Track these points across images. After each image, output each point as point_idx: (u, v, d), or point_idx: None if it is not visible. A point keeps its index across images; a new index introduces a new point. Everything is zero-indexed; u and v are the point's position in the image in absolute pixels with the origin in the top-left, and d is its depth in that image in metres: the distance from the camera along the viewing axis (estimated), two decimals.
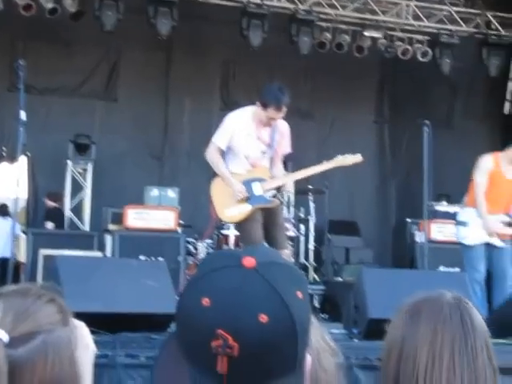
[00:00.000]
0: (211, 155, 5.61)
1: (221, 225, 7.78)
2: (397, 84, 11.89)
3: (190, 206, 9.52)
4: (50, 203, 9.89)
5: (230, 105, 11.22)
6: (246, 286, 1.06)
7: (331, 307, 6.96)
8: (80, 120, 10.57)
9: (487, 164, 6.32)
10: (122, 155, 10.62)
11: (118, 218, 8.69)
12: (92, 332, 1.23)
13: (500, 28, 10.97)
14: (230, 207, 5.56)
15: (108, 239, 8.30)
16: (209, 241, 8.54)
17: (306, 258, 9.58)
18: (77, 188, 10.36)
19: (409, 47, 10.86)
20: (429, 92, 11.73)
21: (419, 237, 9.20)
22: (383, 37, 10.87)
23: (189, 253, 8.50)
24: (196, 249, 8.58)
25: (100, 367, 3.89)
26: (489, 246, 6.30)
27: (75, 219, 10.24)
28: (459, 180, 6.94)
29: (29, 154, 8.33)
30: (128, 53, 10.77)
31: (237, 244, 8.32)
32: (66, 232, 9.35)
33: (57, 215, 9.79)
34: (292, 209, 10.32)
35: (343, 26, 10.80)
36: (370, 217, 11.68)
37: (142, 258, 7.45)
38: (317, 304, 8.00)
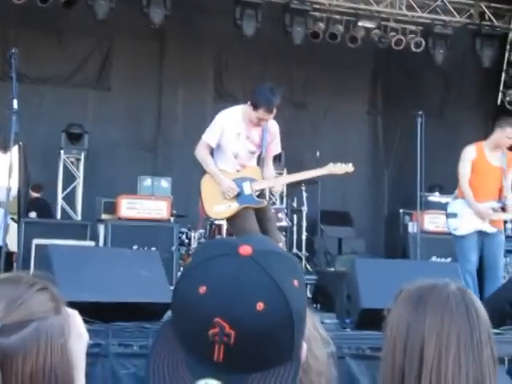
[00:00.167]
0: (201, 153, 5.63)
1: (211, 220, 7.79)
2: (390, 74, 11.89)
3: (183, 195, 9.50)
4: (33, 194, 9.88)
5: (223, 95, 11.20)
6: (243, 274, 1.06)
7: (324, 297, 6.97)
8: (73, 109, 10.53)
9: (470, 154, 6.41)
10: (115, 145, 10.59)
11: (111, 208, 8.68)
12: (85, 321, 1.23)
13: (493, 19, 10.97)
14: (218, 204, 5.59)
15: (101, 229, 8.30)
16: (202, 231, 8.54)
17: (299, 248, 9.60)
18: (69, 178, 10.33)
19: (402, 37, 10.85)
20: (422, 83, 11.73)
21: (412, 227, 9.24)
22: (377, 27, 10.85)
23: (182, 243, 8.50)
24: (189, 239, 8.58)
25: (93, 356, 3.89)
26: (481, 235, 6.32)
27: (68, 209, 10.21)
28: (452, 171, 6.96)
29: (21, 144, 8.29)
30: (121, 42, 10.72)
31: (230, 234, 8.33)
32: (59, 222, 9.33)
33: (40, 205, 9.76)
34: (285, 199, 10.35)
35: (337, 16, 10.77)
36: (362, 207, 11.70)
37: (135, 247, 7.46)
38: (309, 294, 8.02)
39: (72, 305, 1.20)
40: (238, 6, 10.14)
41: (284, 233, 8.73)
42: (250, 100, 5.52)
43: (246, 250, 1.09)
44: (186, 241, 8.58)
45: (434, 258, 8.42)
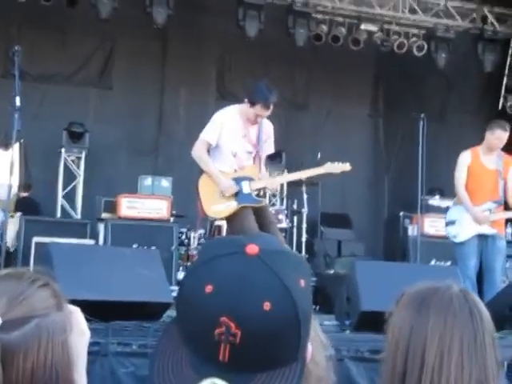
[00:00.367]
0: (199, 152, 5.63)
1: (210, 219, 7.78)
2: (392, 78, 11.89)
3: (184, 195, 9.48)
4: (21, 194, 9.86)
5: (225, 96, 11.19)
6: (250, 273, 1.05)
7: (323, 299, 6.97)
8: (74, 108, 10.52)
9: (465, 159, 6.51)
10: (116, 144, 10.58)
11: (111, 207, 8.67)
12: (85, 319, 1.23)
13: (496, 23, 10.97)
14: (217, 203, 5.58)
15: (101, 228, 8.29)
16: (202, 231, 8.53)
17: (299, 250, 9.58)
18: (70, 176, 10.32)
19: (404, 41, 10.85)
20: (423, 86, 11.73)
21: (412, 230, 9.23)
22: (379, 30, 10.86)
23: (181, 243, 8.50)
24: (188, 239, 8.58)
25: (92, 355, 3.89)
26: (480, 239, 6.34)
27: (67, 207, 10.20)
28: (452, 175, 6.98)
29: (22, 141, 8.29)
30: (123, 41, 10.72)
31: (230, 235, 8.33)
32: (59, 220, 9.32)
33: (27, 204, 9.72)
34: (285, 200, 10.34)
35: (340, 19, 10.77)
36: (362, 210, 11.69)
37: (134, 246, 7.45)
38: None
39: (72, 303, 1.20)
40: (240, 6, 10.14)
41: (284, 234, 8.72)
42: (247, 97, 5.56)
43: (252, 249, 1.08)
44: (186, 241, 8.58)
45: (433, 262, 8.41)
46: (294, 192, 10.06)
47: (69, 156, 10.27)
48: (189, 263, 8.38)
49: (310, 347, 1.13)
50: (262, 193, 5.82)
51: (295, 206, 9.69)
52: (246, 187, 5.62)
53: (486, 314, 1.39)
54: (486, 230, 6.33)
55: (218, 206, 5.59)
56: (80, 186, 10.28)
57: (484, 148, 6.53)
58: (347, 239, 10.61)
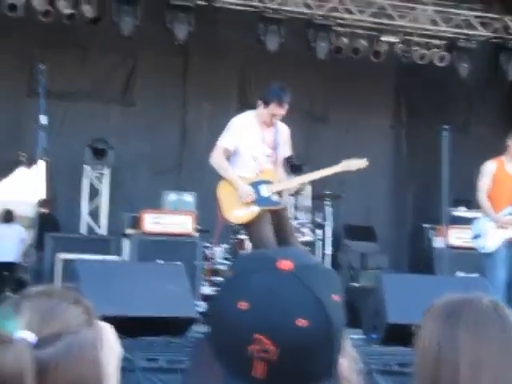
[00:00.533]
0: (217, 159, 5.63)
1: (235, 228, 7.75)
2: (413, 89, 11.84)
3: (207, 210, 9.49)
4: (41, 210, 9.90)
5: (247, 109, 11.17)
6: (283, 289, 1.04)
7: (349, 313, 6.92)
8: (97, 124, 10.61)
9: (489, 168, 6.62)
10: (139, 160, 10.63)
11: (135, 223, 8.70)
12: None
13: None
14: (237, 209, 5.56)
15: (125, 243, 8.31)
16: (225, 245, 8.53)
17: (323, 263, 9.55)
18: (94, 192, 10.38)
19: (426, 52, 10.81)
20: (445, 97, 11.67)
21: (437, 242, 9.15)
22: (400, 41, 10.83)
23: (205, 257, 8.50)
24: (212, 253, 8.58)
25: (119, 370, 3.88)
26: (509, 249, 6.31)
27: (92, 224, 10.26)
28: (476, 186, 6.96)
29: (46, 159, 8.37)
30: (145, 58, 10.80)
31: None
32: (84, 236, 9.37)
33: (47, 221, 9.78)
34: (309, 213, 10.31)
35: (360, 31, 10.77)
36: (385, 222, 11.63)
37: (159, 262, 7.47)
38: None
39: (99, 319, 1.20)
40: (261, 21, 10.18)
41: (308, 247, 8.69)
42: (261, 99, 5.59)
43: (285, 264, 1.07)
44: (210, 255, 8.58)
45: (460, 274, 8.33)
46: (317, 205, 10.03)
47: (92, 173, 10.34)
48: (212, 278, 8.37)
49: (342, 361, 1.12)
50: (281, 196, 5.78)
51: (319, 219, 9.66)
52: (265, 190, 5.62)
53: None
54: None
55: (238, 211, 5.56)
56: (104, 202, 10.33)
57: (508, 156, 6.57)
58: (371, 252, 10.56)
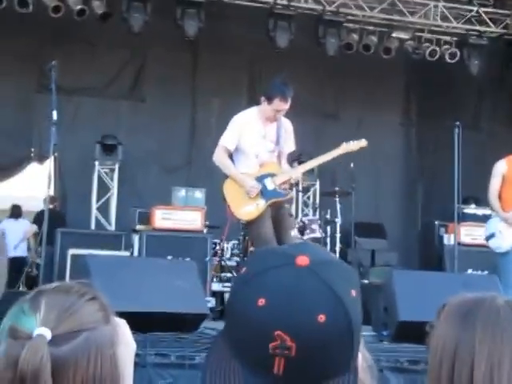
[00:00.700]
0: (220, 158, 5.67)
1: (241, 225, 7.78)
2: (424, 86, 11.81)
3: (217, 206, 9.50)
4: (48, 206, 9.91)
5: (257, 105, 11.19)
6: (302, 285, 1.04)
7: None
8: (107, 120, 10.62)
9: (499, 168, 6.54)
10: (149, 156, 10.65)
11: (145, 219, 8.72)
12: None
13: None
14: (245, 205, 5.59)
15: (135, 239, 8.33)
16: (234, 241, 8.53)
17: None
18: (103, 188, 10.41)
19: (437, 48, 10.78)
20: (456, 94, 11.63)
21: (447, 239, 9.14)
22: (411, 38, 10.80)
23: (215, 253, 8.51)
24: (222, 249, 8.58)
25: None
26: None
27: (102, 219, 10.28)
28: (486, 183, 6.93)
29: (56, 155, 8.39)
30: (154, 54, 10.80)
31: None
32: (94, 232, 9.39)
33: (52, 216, 9.80)
34: (318, 210, 10.31)
35: (370, 27, 10.74)
36: (395, 219, 11.61)
37: (169, 258, 7.48)
38: None
39: None
40: (271, 17, 10.17)
41: (318, 244, 8.69)
42: (263, 95, 5.63)
43: (303, 260, 1.07)
44: (219, 252, 8.58)
45: (469, 271, 8.31)
46: (327, 202, 10.02)
47: (102, 168, 10.36)
48: (222, 274, 8.38)
49: (360, 357, 1.12)
50: (287, 187, 5.82)
51: (328, 216, 9.65)
52: (270, 183, 5.64)
53: None
54: None
55: (247, 208, 5.60)
56: (113, 198, 10.36)
57: None
58: (381, 249, 10.54)
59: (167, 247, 7.74)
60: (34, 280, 9.00)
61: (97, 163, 10.27)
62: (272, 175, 5.66)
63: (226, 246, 8.54)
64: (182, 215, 8.46)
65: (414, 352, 4.48)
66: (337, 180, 10.83)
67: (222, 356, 1.09)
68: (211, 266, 8.23)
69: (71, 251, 7.67)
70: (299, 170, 5.93)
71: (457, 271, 6.65)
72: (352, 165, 9.48)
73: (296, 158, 10.97)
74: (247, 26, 10.48)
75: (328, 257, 1.13)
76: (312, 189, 11.27)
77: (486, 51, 10.74)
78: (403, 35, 10.71)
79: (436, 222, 10.20)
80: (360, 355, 1.13)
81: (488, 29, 10.83)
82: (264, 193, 5.58)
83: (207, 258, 8.06)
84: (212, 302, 7.19)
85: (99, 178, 10.35)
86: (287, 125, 5.80)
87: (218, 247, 8.56)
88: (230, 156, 5.71)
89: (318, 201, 10.98)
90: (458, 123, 6.84)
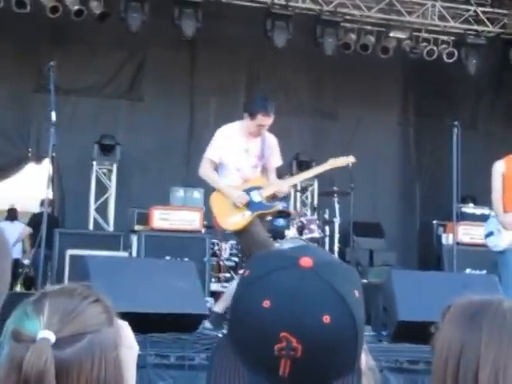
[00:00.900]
0: (205, 171, 5.77)
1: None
2: (421, 85, 11.82)
3: None
4: (40, 208, 9.92)
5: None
6: (306, 286, 1.05)
7: None
8: (105, 120, 10.62)
9: (498, 168, 6.52)
10: (147, 155, 10.64)
11: (144, 219, 8.71)
12: None
13: None
14: (232, 216, 5.67)
15: (134, 240, 8.33)
16: (233, 242, 8.53)
17: None
18: (102, 189, 10.40)
19: (434, 48, 10.78)
20: (454, 93, 11.65)
21: (446, 239, 9.14)
22: (408, 38, 10.80)
23: (213, 254, 8.51)
24: (220, 250, 8.58)
25: None
26: None
27: (100, 220, 10.27)
28: (485, 182, 6.93)
29: (54, 155, 8.38)
30: (153, 53, 10.80)
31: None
32: (92, 232, 9.39)
33: (48, 220, 9.76)
34: (316, 210, 10.31)
35: (368, 27, 10.75)
36: (393, 219, 11.62)
37: (167, 258, 7.48)
38: None
39: None
40: (268, 17, 10.17)
41: (316, 244, 8.69)
42: (246, 112, 5.71)
43: (306, 261, 1.08)
44: (218, 252, 8.58)
45: (468, 270, 8.31)
46: (325, 201, 10.02)
47: (100, 169, 10.35)
48: (220, 274, 8.38)
49: (363, 357, 1.13)
50: (274, 199, 5.89)
51: (327, 216, 9.66)
52: (257, 196, 5.71)
53: None
54: None
55: (234, 218, 5.68)
56: (112, 198, 10.35)
57: None
58: (379, 248, 10.55)
59: (166, 247, 7.74)
60: (31, 281, 8.99)
61: (95, 163, 10.26)
62: (259, 188, 5.74)
63: (224, 246, 8.53)
64: (180, 215, 8.46)
65: (414, 352, 4.48)
66: (335, 180, 10.81)
67: (226, 358, 1.09)
68: (211, 267, 8.23)
69: (70, 252, 7.66)
70: (286, 184, 5.97)
71: (455, 271, 6.66)
72: (350, 164, 9.47)
73: (295, 158, 11.01)
74: (245, 26, 10.48)
75: (330, 258, 1.14)
76: (310, 189, 11.28)
77: (483, 51, 10.74)
78: (401, 35, 10.72)
79: (434, 222, 10.21)
80: (363, 358, 1.13)
81: (486, 28, 10.84)
82: (251, 205, 5.66)
83: (205, 258, 8.06)
84: (211, 302, 7.18)
85: (97, 178, 10.34)
86: (271, 140, 5.87)
87: (216, 247, 8.56)
88: (215, 169, 5.81)
89: (316, 201, 10.97)
90: (456, 123, 6.86)
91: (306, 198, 11.28)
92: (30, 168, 10.72)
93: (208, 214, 8.98)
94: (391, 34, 10.71)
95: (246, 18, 10.37)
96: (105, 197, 10.37)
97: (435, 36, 10.87)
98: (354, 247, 9.77)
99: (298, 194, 11.06)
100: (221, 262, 8.50)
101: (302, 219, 9.00)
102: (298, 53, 10.59)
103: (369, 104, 11.53)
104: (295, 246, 1.21)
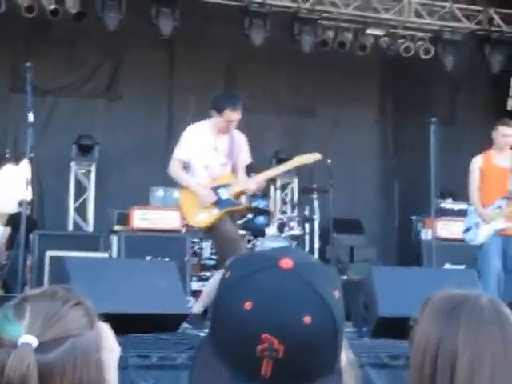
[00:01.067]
0: (174, 170, 5.88)
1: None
2: (399, 82, 11.87)
3: None
4: (20, 209, 9.83)
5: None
6: (286, 287, 1.06)
7: None
8: (83, 120, 10.55)
9: (475, 163, 6.73)
10: (126, 155, 10.59)
11: (124, 219, 8.68)
12: None
13: (502, 24, 10.96)
14: (199, 213, 5.73)
15: (114, 240, 8.29)
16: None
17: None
18: (80, 189, 10.34)
19: (411, 45, 10.84)
20: (431, 90, 11.72)
21: (425, 234, 9.21)
22: (385, 34, 10.85)
23: (194, 253, 8.49)
24: (201, 249, 8.57)
25: None
26: (502, 240, 6.37)
27: (79, 221, 10.22)
28: (463, 177, 7.01)
29: (32, 156, 8.31)
30: (131, 52, 10.73)
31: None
32: (72, 233, 9.34)
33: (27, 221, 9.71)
34: (296, 207, 10.34)
35: (345, 25, 10.78)
36: (373, 215, 11.67)
37: (148, 258, 7.45)
38: None
39: None
40: (246, 15, 10.17)
41: (296, 241, 8.71)
42: (213, 109, 5.74)
43: (286, 263, 1.08)
44: (198, 251, 8.57)
45: (447, 265, 8.38)
46: (305, 199, 10.05)
47: (79, 169, 10.29)
48: (201, 273, 8.37)
49: (343, 353, 1.14)
50: (241, 197, 5.94)
51: (307, 213, 9.69)
52: (224, 194, 5.76)
53: None
54: (498, 225, 6.38)
55: (201, 215, 5.73)
56: (91, 198, 10.29)
57: (496, 149, 6.64)
58: (359, 245, 10.60)
59: (146, 248, 7.71)
60: (9, 283, 8.91)
61: (73, 164, 10.20)
62: (227, 186, 5.79)
63: (204, 244, 8.52)
64: (160, 215, 8.44)
65: (394, 347, 4.52)
66: (314, 177, 10.85)
67: (207, 361, 1.10)
68: (191, 266, 8.21)
69: (49, 253, 7.61)
70: (253, 182, 6.00)
71: (435, 266, 6.72)
72: (329, 162, 9.51)
73: (274, 156, 11.03)
74: (223, 24, 10.47)
75: (309, 259, 1.15)
76: (290, 186, 11.30)
77: (459, 47, 10.83)
78: (378, 32, 10.76)
79: (413, 217, 10.28)
80: (343, 355, 1.14)
81: (461, 25, 10.92)
82: (219, 202, 5.72)
83: (186, 258, 8.05)
84: (192, 301, 7.17)
85: (76, 178, 10.28)
86: (240, 140, 5.92)
87: (197, 246, 8.54)
88: (185, 168, 5.87)
89: (296, 198, 11.00)
90: (433, 119, 6.95)
91: (286, 195, 11.30)
92: (9, 169, 10.62)
93: None
94: (368, 31, 10.75)
95: (223, 17, 10.36)
96: (84, 197, 10.31)
97: (412, 33, 10.93)
98: (334, 244, 9.80)
99: (278, 192, 11.08)
100: (201, 261, 8.49)
101: (283, 217, 9.03)
102: (276, 51, 10.60)
103: (347, 101, 11.57)
104: (275, 247, 1.22)
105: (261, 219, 8.98)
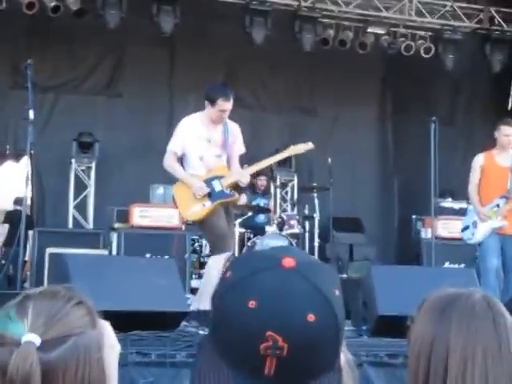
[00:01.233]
0: (168, 162, 5.83)
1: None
2: (399, 81, 11.87)
3: None
4: (14, 206, 9.84)
5: (235, 101, 11.16)
6: (290, 286, 1.07)
7: None
8: (83, 117, 10.54)
9: (477, 162, 6.71)
10: (126, 152, 10.59)
11: (124, 216, 8.69)
12: None
13: (503, 23, 10.96)
14: (192, 206, 5.74)
15: (114, 237, 8.30)
16: None
17: (311, 255, 9.58)
18: (80, 186, 10.34)
19: (412, 43, 10.84)
20: (431, 88, 11.71)
21: (425, 233, 9.22)
22: (386, 33, 10.85)
23: (194, 250, 8.51)
24: (200, 246, 8.58)
25: None
26: (501, 238, 6.38)
27: (79, 218, 10.22)
28: (462, 176, 7.02)
29: (32, 153, 8.32)
30: (131, 49, 10.73)
31: (241, 242, 8.33)
32: (72, 230, 9.33)
33: (17, 217, 9.73)
34: (296, 206, 10.35)
35: (346, 23, 10.78)
36: (373, 213, 11.67)
37: (147, 255, 7.47)
38: None
39: None
40: (247, 13, 10.16)
41: (296, 240, 8.73)
42: (205, 99, 5.76)
43: (289, 262, 1.09)
44: (198, 248, 8.59)
45: (447, 264, 8.39)
46: (305, 197, 10.06)
47: (79, 166, 10.29)
48: (200, 271, 8.38)
49: (342, 357, 1.14)
50: (235, 189, 5.94)
51: (307, 211, 9.69)
52: (218, 185, 5.77)
53: (510, 321, 1.35)
54: (495, 224, 6.39)
55: (194, 208, 5.73)
56: (91, 195, 10.29)
57: (498, 148, 6.66)
58: (359, 243, 10.60)
59: (146, 245, 7.73)
60: (11, 280, 8.92)
61: (73, 161, 10.20)
62: (220, 177, 5.79)
63: (204, 242, 8.53)
64: (160, 212, 8.45)
65: (393, 346, 4.52)
66: (314, 175, 10.86)
67: (210, 360, 1.11)
68: (191, 264, 8.23)
69: (49, 250, 7.62)
70: (247, 172, 5.99)
71: (434, 265, 6.72)
72: (329, 160, 9.53)
73: (274, 154, 11.02)
74: (224, 22, 10.47)
75: (310, 258, 1.16)
76: (290, 184, 11.30)
77: (460, 46, 10.83)
78: (379, 30, 10.76)
79: (413, 216, 10.29)
80: (342, 356, 1.15)
81: (462, 24, 10.92)
82: (212, 194, 5.72)
83: (186, 255, 8.06)
84: (192, 299, 7.18)
85: (76, 175, 10.28)
86: (235, 129, 5.91)
87: (196, 244, 8.56)
88: (180, 160, 5.85)
89: (296, 196, 11.01)
90: (433, 118, 6.95)
91: (286, 193, 11.31)
92: (9, 166, 10.64)
93: None
94: (369, 30, 10.75)
95: (224, 15, 10.36)
96: (84, 194, 10.32)
97: (413, 31, 10.93)
98: (333, 242, 9.82)
99: (278, 190, 11.09)
100: (201, 259, 8.50)
101: (282, 215, 9.03)
102: (277, 49, 10.59)
103: (347, 100, 11.57)
104: (276, 247, 1.22)
105: (261, 217, 9.00)
